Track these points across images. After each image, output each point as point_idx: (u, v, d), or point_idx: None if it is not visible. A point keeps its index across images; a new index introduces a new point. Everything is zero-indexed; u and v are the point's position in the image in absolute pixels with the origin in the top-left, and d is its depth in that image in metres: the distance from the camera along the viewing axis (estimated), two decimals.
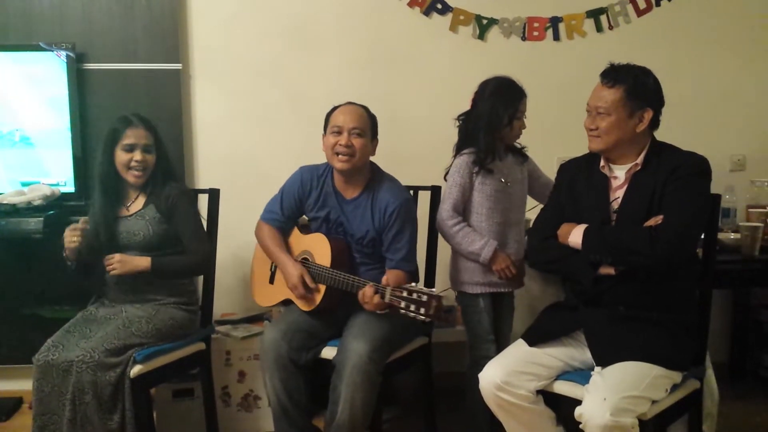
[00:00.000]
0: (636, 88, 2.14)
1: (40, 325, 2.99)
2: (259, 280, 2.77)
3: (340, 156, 2.48)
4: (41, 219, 2.84)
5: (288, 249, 2.64)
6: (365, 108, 2.56)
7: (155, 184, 2.59)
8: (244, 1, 3.32)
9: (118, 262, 2.46)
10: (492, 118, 2.52)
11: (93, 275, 2.59)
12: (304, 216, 2.70)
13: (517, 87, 2.57)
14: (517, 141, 2.65)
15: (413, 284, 2.21)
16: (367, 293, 2.30)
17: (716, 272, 2.26)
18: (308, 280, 2.50)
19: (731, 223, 3.14)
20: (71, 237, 2.48)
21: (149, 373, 2.40)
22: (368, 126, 2.51)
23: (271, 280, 2.71)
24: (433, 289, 2.15)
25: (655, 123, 2.18)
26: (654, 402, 1.98)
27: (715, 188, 2.18)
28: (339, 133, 2.48)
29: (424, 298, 2.12)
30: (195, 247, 2.55)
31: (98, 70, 3.18)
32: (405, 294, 2.18)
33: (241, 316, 3.16)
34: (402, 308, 2.17)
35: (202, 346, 2.66)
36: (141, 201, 2.59)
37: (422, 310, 2.12)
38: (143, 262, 2.47)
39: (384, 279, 2.33)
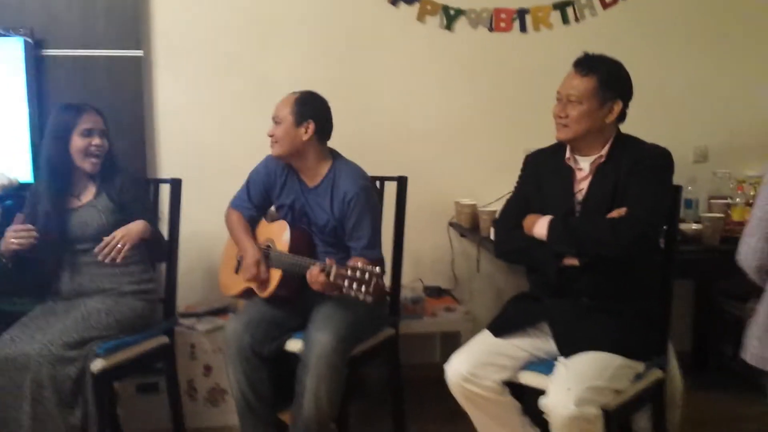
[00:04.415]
0: (609, 78, 2.15)
1: None
2: (225, 268, 2.74)
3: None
4: None
5: (255, 238, 2.62)
6: (300, 94, 2.52)
7: (105, 173, 2.54)
8: None
9: (122, 238, 2.38)
10: None
11: (33, 271, 2.51)
12: (273, 207, 2.68)
13: None
14: None
15: (358, 263, 2.16)
16: (313, 273, 2.25)
17: (678, 262, 2.28)
18: (263, 268, 2.49)
19: (693, 213, 3.18)
20: (17, 239, 2.38)
21: (111, 368, 2.34)
22: (289, 112, 2.47)
23: (237, 270, 2.68)
24: (377, 268, 2.10)
25: (622, 116, 2.20)
26: (618, 392, 2.00)
27: (677, 179, 2.20)
28: None
29: (366, 276, 2.08)
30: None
31: (57, 57, 3.09)
32: (348, 272, 2.13)
33: (205, 309, 3.12)
34: (345, 286, 2.12)
35: (165, 339, 2.61)
36: (92, 191, 2.54)
37: (363, 288, 2.07)
38: (141, 225, 2.43)
39: (330, 260, 2.25)
